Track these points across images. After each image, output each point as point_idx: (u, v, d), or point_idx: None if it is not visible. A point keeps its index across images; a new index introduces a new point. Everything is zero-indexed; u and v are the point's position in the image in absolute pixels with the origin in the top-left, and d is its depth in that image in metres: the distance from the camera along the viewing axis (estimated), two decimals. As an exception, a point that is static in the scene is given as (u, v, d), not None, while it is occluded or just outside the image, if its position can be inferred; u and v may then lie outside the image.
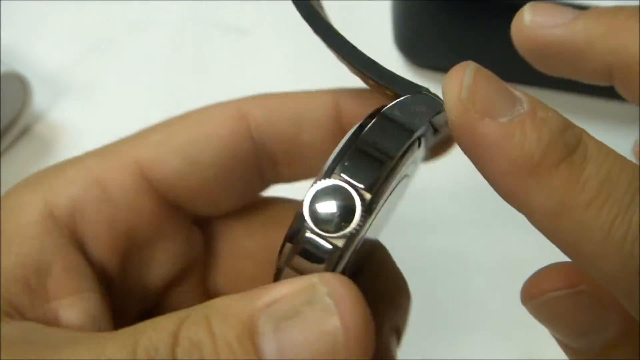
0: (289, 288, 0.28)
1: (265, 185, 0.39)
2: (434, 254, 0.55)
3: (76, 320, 0.32)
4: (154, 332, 0.28)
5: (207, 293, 0.40)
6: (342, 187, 0.28)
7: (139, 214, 0.35)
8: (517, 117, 0.28)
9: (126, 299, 0.36)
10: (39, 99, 0.62)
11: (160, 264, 0.37)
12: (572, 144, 0.28)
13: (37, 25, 0.68)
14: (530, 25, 0.34)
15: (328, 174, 0.28)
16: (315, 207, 0.28)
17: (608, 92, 0.65)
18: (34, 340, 0.29)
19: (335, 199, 0.28)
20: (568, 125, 0.29)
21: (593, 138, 0.29)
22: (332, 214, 0.27)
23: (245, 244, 0.39)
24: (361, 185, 0.28)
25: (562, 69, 0.37)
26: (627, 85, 0.34)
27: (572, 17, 0.33)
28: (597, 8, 0.33)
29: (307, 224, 0.28)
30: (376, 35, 0.64)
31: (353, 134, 0.29)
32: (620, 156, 0.29)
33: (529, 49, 0.35)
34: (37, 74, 0.62)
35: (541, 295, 0.33)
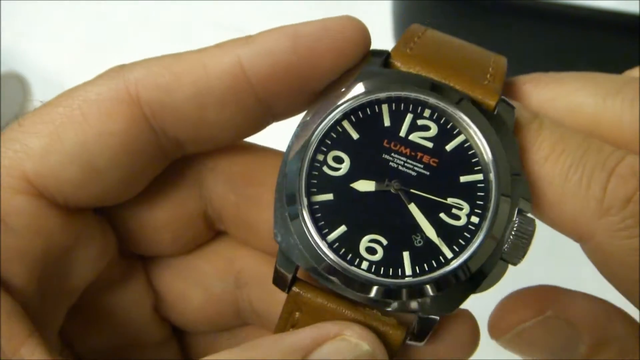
0: (317, 337, 0.30)
1: (169, 161, 0.35)
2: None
3: None
4: None
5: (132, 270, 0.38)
6: None
7: (46, 234, 0.32)
8: None
9: (47, 314, 0.33)
10: (39, 99, 0.62)
11: (80, 269, 0.35)
12: (528, 117, 0.32)
13: (37, 26, 0.68)
14: None
15: None
16: None
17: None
18: None
19: None
20: (523, 108, 0.33)
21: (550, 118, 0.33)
22: None
23: (156, 217, 0.36)
24: None
25: None
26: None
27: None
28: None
29: None
30: (376, 35, 0.64)
31: None
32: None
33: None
34: (37, 74, 0.62)
35: (510, 329, 0.34)
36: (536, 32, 0.64)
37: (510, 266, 0.31)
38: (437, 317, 0.31)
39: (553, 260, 0.62)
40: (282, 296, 0.32)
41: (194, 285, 0.38)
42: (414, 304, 0.30)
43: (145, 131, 0.32)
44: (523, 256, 0.30)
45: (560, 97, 0.34)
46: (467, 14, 0.61)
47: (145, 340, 0.35)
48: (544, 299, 0.34)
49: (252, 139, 0.37)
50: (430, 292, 0.30)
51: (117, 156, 0.32)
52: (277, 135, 0.37)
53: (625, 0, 0.61)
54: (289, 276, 0.32)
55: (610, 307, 0.34)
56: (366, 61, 0.33)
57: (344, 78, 0.33)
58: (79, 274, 0.34)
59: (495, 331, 0.34)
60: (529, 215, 0.31)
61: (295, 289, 0.32)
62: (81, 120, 0.31)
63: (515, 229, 0.30)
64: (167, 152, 0.34)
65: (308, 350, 0.29)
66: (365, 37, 0.33)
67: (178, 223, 0.36)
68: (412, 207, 0.31)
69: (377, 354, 0.30)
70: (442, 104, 0.31)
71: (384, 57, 0.33)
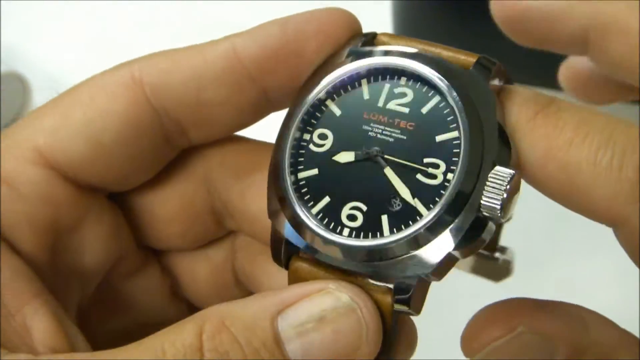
0: (300, 293, 0.30)
1: (176, 150, 0.38)
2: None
3: (46, 325, 0.31)
4: (175, 349, 0.28)
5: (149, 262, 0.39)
6: None
7: (56, 204, 0.34)
8: None
9: (62, 292, 0.35)
10: (39, 99, 0.62)
11: (91, 249, 0.36)
12: (544, 101, 0.31)
13: (37, 25, 0.68)
14: None
15: None
16: None
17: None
18: None
19: None
20: (539, 92, 0.32)
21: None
22: None
23: (162, 207, 0.38)
24: None
25: (538, 37, 0.38)
26: (601, 47, 0.35)
27: None
28: None
29: None
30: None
31: None
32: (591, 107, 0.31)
33: (508, 18, 0.37)
34: (37, 74, 0.62)
35: (482, 348, 0.33)
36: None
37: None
38: (414, 281, 0.31)
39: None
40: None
41: (199, 261, 0.40)
42: (393, 265, 0.31)
43: (147, 111, 0.34)
44: (501, 210, 0.30)
45: None
46: (467, 14, 0.61)
47: (163, 320, 0.36)
48: (515, 314, 0.33)
49: (255, 136, 0.38)
50: (407, 252, 0.31)
51: (121, 133, 0.34)
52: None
53: None
54: (283, 251, 0.33)
55: (586, 312, 0.33)
56: (352, 41, 0.34)
57: (330, 61, 0.34)
58: (90, 253, 0.36)
59: (468, 350, 0.34)
60: (506, 168, 0.30)
61: (294, 264, 0.33)
62: (88, 102, 0.34)
63: (489, 180, 0.30)
64: (172, 137, 0.36)
65: (287, 303, 0.30)
66: (353, 22, 0.34)
67: (186, 216, 0.38)
68: (389, 172, 0.32)
69: (359, 306, 0.30)
70: (417, 70, 0.32)
71: (370, 36, 0.34)
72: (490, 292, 0.56)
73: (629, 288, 0.49)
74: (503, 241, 0.50)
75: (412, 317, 0.33)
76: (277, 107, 0.36)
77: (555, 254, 0.56)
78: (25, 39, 0.66)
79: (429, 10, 0.60)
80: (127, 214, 0.38)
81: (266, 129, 0.37)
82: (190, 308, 0.41)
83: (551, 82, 0.65)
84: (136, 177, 0.37)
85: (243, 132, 0.38)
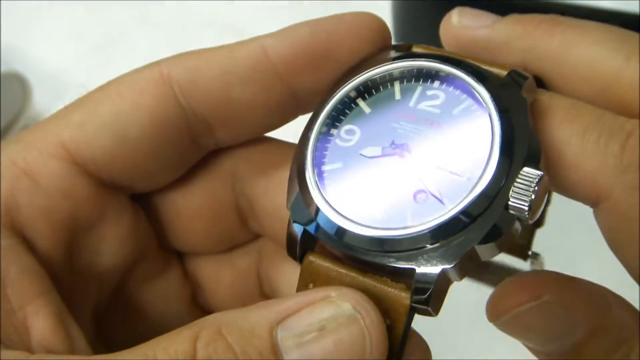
0: (302, 301, 0.29)
1: (203, 151, 0.37)
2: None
3: (46, 325, 0.31)
4: (167, 355, 0.28)
5: (168, 264, 0.39)
6: None
7: (75, 200, 0.34)
8: None
9: (78, 292, 0.35)
10: (39, 99, 0.62)
11: (109, 249, 0.36)
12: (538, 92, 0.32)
13: (37, 25, 0.68)
14: (457, 25, 0.38)
15: None
16: None
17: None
18: None
19: None
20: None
21: None
22: None
23: (186, 203, 0.38)
24: None
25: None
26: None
27: (494, 20, 0.37)
28: (515, 14, 0.37)
29: None
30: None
31: None
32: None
33: (455, 46, 0.37)
34: (37, 74, 0.62)
35: (507, 312, 0.34)
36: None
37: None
38: (437, 272, 0.30)
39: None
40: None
41: (224, 266, 0.40)
42: (415, 257, 0.31)
43: (174, 107, 0.34)
44: (529, 210, 0.30)
45: (579, 45, 0.34)
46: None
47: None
48: (542, 283, 0.34)
49: (282, 137, 0.38)
50: (430, 243, 0.30)
51: (148, 128, 0.34)
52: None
53: (625, 0, 0.61)
54: (298, 243, 0.32)
55: (610, 293, 0.34)
56: (386, 49, 0.35)
57: (362, 64, 0.34)
58: (109, 253, 0.36)
59: (493, 313, 0.34)
60: (535, 168, 0.30)
61: (308, 259, 0.32)
62: (116, 97, 0.34)
63: (518, 180, 0.30)
64: (199, 136, 0.36)
65: (288, 312, 0.29)
66: (383, 26, 0.35)
67: (210, 212, 0.38)
68: (414, 166, 0.32)
69: (362, 315, 0.29)
70: (451, 72, 0.33)
71: (407, 47, 0.35)
72: (488, 292, 0.56)
73: (629, 289, 0.49)
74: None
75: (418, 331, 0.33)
76: (305, 109, 0.36)
77: (555, 254, 0.56)
78: (25, 39, 0.66)
79: (429, 10, 0.60)
80: (150, 215, 0.38)
81: (293, 131, 0.37)
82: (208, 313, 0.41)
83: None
84: (161, 176, 0.37)
85: (271, 134, 0.38)
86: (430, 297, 0.30)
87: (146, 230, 0.38)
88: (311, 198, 0.32)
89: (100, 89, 0.35)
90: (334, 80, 0.34)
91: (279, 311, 0.29)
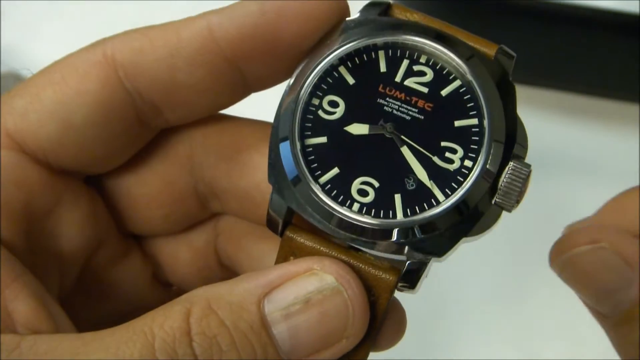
0: (285, 273, 0.30)
1: (153, 132, 0.37)
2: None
3: (27, 308, 0.31)
4: (164, 332, 0.28)
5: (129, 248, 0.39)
6: None
7: (28, 188, 0.34)
8: None
9: (42, 276, 0.34)
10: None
11: (68, 233, 0.36)
12: None
13: (37, 25, 0.68)
14: None
15: None
16: None
17: (608, 92, 0.65)
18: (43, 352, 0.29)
19: None
20: None
21: None
22: None
23: (144, 190, 0.38)
24: None
25: None
26: None
27: None
28: None
29: None
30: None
31: None
32: None
33: None
34: (37, 74, 0.62)
35: (566, 252, 0.34)
36: (536, 32, 0.64)
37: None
38: (426, 261, 0.31)
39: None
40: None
41: (181, 245, 0.40)
42: (404, 246, 0.31)
43: (119, 91, 0.34)
44: (517, 201, 0.30)
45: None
46: (467, 14, 0.61)
47: (145, 305, 0.36)
48: (603, 230, 0.34)
49: (237, 114, 0.37)
50: (421, 234, 0.30)
51: (93, 114, 0.33)
52: (265, 110, 0.37)
53: (625, 0, 0.61)
54: (281, 219, 0.32)
55: None
56: (364, 9, 0.33)
57: (329, 37, 0.33)
58: (68, 237, 0.36)
59: (554, 252, 0.35)
60: (524, 160, 0.31)
61: (288, 233, 0.32)
62: (60, 82, 0.33)
63: (508, 173, 0.30)
64: (147, 118, 0.35)
65: (273, 285, 0.30)
66: (340, 6, 0.33)
67: (168, 198, 0.38)
68: (405, 150, 0.31)
69: (344, 287, 0.30)
70: (438, 50, 0.32)
71: (384, 7, 0.34)
72: (488, 293, 0.56)
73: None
74: (499, 240, 0.49)
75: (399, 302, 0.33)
76: (256, 89, 0.36)
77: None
78: (25, 39, 0.66)
79: (429, 10, 0.60)
80: (107, 198, 0.38)
81: (250, 106, 0.37)
82: (171, 293, 0.41)
83: (553, 83, 0.65)
84: (111, 159, 0.36)
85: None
86: (416, 281, 0.31)
87: (105, 215, 0.38)
88: (297, 175, 0.32)
89: (44, 72, 0.34)
90: (283, 63, 0.33)
91: (264, 284, 0.30)
